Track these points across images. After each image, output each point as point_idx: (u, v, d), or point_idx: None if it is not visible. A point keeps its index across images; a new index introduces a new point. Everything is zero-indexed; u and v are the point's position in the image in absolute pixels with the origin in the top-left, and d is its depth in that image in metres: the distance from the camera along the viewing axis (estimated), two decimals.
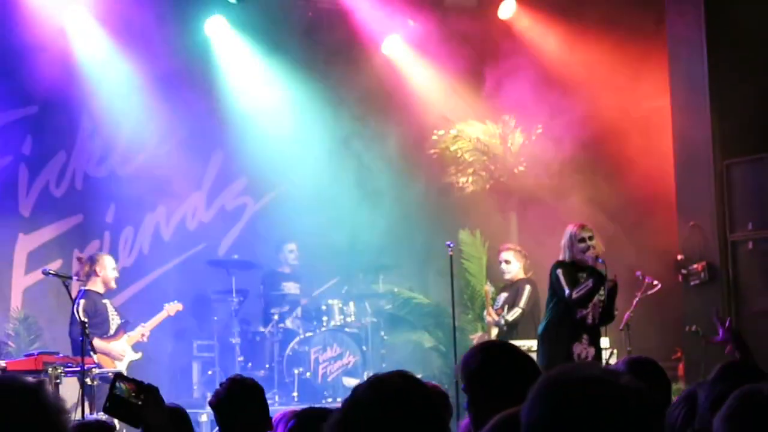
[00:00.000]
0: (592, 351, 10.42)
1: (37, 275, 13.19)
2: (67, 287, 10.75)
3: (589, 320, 10.43)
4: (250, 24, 14.62)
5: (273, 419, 5.82)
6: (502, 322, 12.33)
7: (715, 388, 4.14)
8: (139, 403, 5.29)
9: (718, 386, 4.04)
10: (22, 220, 14.19)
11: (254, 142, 15.03)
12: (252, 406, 5.74)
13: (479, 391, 4.32)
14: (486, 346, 4.88)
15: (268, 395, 11.59)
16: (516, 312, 12.27)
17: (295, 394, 13.04)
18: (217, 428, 10.64)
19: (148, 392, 5.34)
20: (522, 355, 4.58)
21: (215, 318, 14.09)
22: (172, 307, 12.37)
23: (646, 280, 12.01)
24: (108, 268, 11.90)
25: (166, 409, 5.36)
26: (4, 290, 13.93)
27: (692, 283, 12.71)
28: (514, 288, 12.51)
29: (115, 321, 11.82)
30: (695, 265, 12.63)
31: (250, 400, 5.76)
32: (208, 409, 12.50)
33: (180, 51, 14.34)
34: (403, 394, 2.92)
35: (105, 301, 11.83)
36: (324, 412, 5.21)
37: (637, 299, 11.91)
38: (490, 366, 4.50)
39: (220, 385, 5.89)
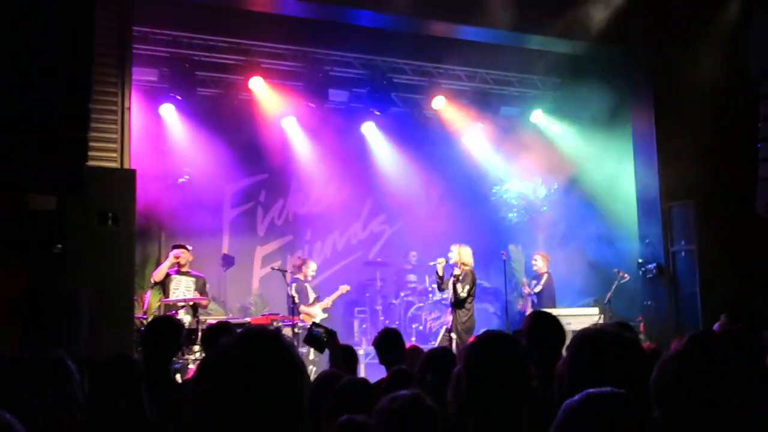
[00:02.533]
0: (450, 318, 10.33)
1: (267, 270, 13.33)
2: (284, 277, 11.08)
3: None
4: (387, 126, 14.79)
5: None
6: (532, 292, 12.54)
7: None
8: (325, 339, 5.46)
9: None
10: (259, 238, 14.32)
11: (390, 192, 15.06)
12: (394, 343, 5.69)
13: (533, 342, 4.32)
14: (533, 313, 4.96)
15: None
16: (537, 287, 12.44)
17: (413, 339, 13.12)
18: (368, 357, 10.71)
19: (331, 334, 5.51)
20: (555, 319, 4.64)
21: (367, 294, 13.98)
22: (344, 288, 12.33)
23: (620, 274, 11.93)
24: (311, 269, 12.10)
25: (340, 344, 5.50)
26: (248, 278, 14.02)
27: (648, 276, 12.50)
28: (539, 276, 12.63)
29: (312, 296, 11.92)
30: (650, 266, 12.43)
31: (392, 340, 5.71)
32: (363, 346, 12.72)
33: (347, 142, 14.56)
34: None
35: (306, 284, 11.99)
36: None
37: (615, 285, 11.83)
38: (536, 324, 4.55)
39: (379, 331, 5.86)
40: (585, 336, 2.61)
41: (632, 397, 1.79)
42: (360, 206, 15.37)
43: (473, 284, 10.37)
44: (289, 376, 1.84)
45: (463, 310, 10.26)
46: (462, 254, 10.54)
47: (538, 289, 12.41)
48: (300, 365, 1.90)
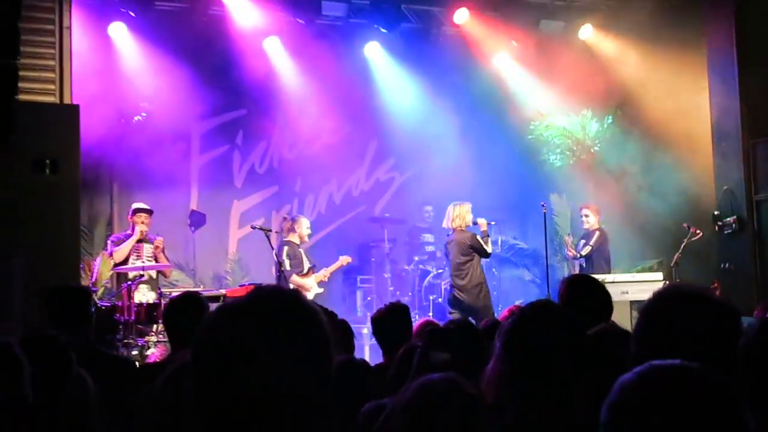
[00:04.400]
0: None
1: (247, 229, 13.33)
2: (268, 238, 11.12)
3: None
4: (395, 47, 14.68)
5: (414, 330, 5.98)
6: (578, 255, 12.54)
7: None
8: None
9: None
10: (236, 190, 14.46)
11: (399, 132, 14.99)
12: (397, 323, 5.79)
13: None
14: (569, 278, 5.01)
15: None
16: (587, 249, 12.41)
17: (430, 314, 13.05)
18: (373, 338, 10.93)
19: (329, 315, 5.57)
20: (598, 284, 4.72)
21: (372, 259, 14.17)
22: (345, 260, 12.27)
23: (691, 230, 11.98)
24: (304, 226, 12.04)
25: (339, 328, 5.57)
26: (223, 240, 14.17)
27: (726, 233, 12.55)
28: (589, 234, 12.65)
29: (306, 264, 11.91)
30: (729, 219, 12.46)
31: (398, 318, 5.81)
32: (368, 324, 12.83)
33: (345, 67, 14.50)
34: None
35: (300, 249, 11.97)
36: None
37: (683, 244, 11.92)
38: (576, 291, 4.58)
39: (385, 305, 5.99)
40: (662, 296, 2.64)
41: (714, 373, 1.74)
42: (362, 149, 15.43)
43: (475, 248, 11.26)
44: (318, 351, 1.83)
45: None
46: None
47: (586, 251, 12.43)
48: (326, 330, 1.88)
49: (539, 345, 2.68)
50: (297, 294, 1.90)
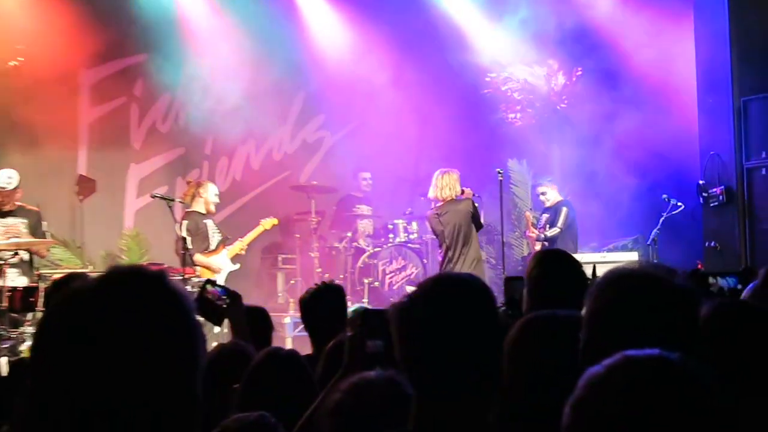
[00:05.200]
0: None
1: (146, 199, 13.26)
2: (171, 209, 10.94)
3: None
4: None
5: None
6: (542, 237, 12.45)
7: None
8: (224, 306, 5.36)
9: None
10: (134, 152, 14.37)
11: (331, 83, 14.97)
12: (331, 305, 5.69)
13: (535, 297, 4.39)
14: (540, 253, 4.94)
15: None
16: (555, 230, 12.44)
17: (365, 300, 13.03)
18: (297, 329, 10.80)
19: (233, 297, 5.41)
20: (572, 260, 4.71)
21: (297, 235, 14.06)
22: (268, 222, 12.38)
23: (671, 202, 12.05)
24: (210, 193, 11.96)
25: (245, 311, 5.44)
26: (117, 212, 14.09)
27: (712, 205, 12.64)
28: (553, 209, 12.73)
29: (216, 237, 11.86)
30: (715, 189, 12.54)
31: (331, 301, 5.72)
32: (291, 312, 12.73)
33: (266, 5, 14.33)
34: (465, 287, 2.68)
35: (206, 221, 11.88)
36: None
37: (662, 218, 12.00)
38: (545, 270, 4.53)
39: (314, 284, 5.93)
40: (611, 279, 2.65)
41: (698, 364, 1.75)
42: (286, 103, 15.43)
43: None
44: (179, 339, 1.79)
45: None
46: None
47: (554, 233, 12.43)
48: (195, 323, 1.84)
49: (437, 325, 2.61)
50: (160, 277, 1.84)
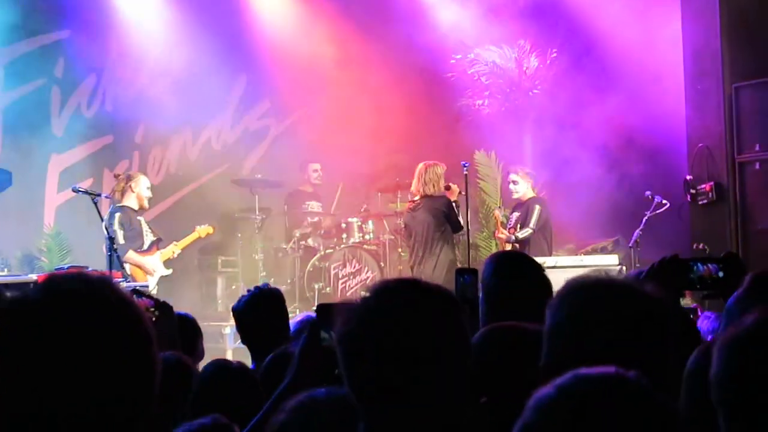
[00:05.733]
0: None
1: (68, 193, 13.17)
2: (96, 204, 10.85)
3: None
4: None
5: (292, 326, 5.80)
6: (513, 239, 12.40)
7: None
8: (153, 318, 5.27)
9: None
10: (55, 140, 14.33)
11: (276, 65, 14.99)
12: (272, 314, 5.65)
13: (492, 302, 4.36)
14: (494, 256, 4.90)
15: (290, 309, 11.62)
16: (526, 231, 12.31)
17: (314, 308, 13.00)
18: (239, 340, 10.70)
19: (163, 309, 5.34)
20: (534, 266, 4.60)
21: (239, 235, 14.13)
22: (203, 230, 12.42)
23: (656, 200, 12.04)
24: (142, 186, 11.92)
25: (176, 325, 5.38)
26: (36, 208, 14.09)
27: (700, 203, 12.66)
28: (524, 207, 12.55)
29: (149, 237, 11.89)
30: (703, 185, 12.56)
31: (270, 309, 5.67)
32: (232, 321, 12.61)
33: None
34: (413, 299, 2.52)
35: (140, 217, 11.91)
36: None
37: (646, 218, 12.05)
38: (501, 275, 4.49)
39: (248, 291, 5.85)
40: (572, 288, 2.65)
41: (648, 382, 1.78)
42: (227, 87, 15.51)
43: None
44: (130, 348, 1.87)
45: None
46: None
47: (526, 234, 12.34)
48: (148, 331, 1.92)
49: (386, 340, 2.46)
50: (105, 283, 1.91)
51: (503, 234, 12.62)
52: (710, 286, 4.04)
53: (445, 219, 11.78)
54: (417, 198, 11.90)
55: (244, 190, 14.27)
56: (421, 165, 12.02)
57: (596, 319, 2.53)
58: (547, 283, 4.42)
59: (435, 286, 2.66)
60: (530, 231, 12.31)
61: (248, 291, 5.86)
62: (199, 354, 5.59)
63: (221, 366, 4.20)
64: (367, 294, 2.59)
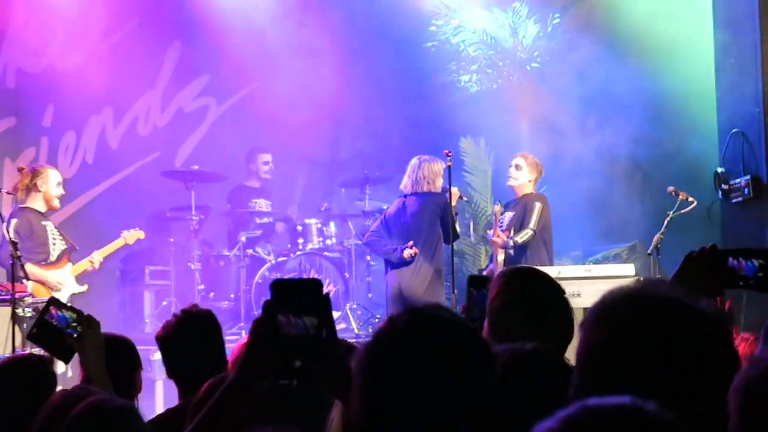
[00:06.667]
0: None
1: None
2: None
3: None
4: None
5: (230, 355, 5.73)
6: (511, 243, 12.24)
7: None
8: (75, 335, 5.18)
9: None
10: None
11: (218, 31, 14.91)
12: (199, 340, 5.72)
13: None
14: (508, 272, 4.89)
15: (233, 330, 11.50)
16: (526, 234, 12.11)
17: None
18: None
19: (88, 325, 5.23)
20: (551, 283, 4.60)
21: (171, 240, 14.05)
22: (131, 236, 12.36)
23: (680, 197, 12.02)
24: (52, 183, 11.84)
25: (102, 343, 5.29)
26: None
27: (734, 200, 12.67)
28: (521, 205, 12.39)
29: (58, 246, 11.82)
30: (738, 180, 12.55)
31: (201, 336, 5.74)
32: None
33: None
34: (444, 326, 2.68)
35: (45, 222, 11.82)
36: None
37: (668, 219, 12.00)
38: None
39: (173, 315, 5.87)
40: (610, 304, 2.66)
41: (672, 417, 1.85)
42: (157, 58, 15.52)
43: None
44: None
45: None
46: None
47: (526, 237, 12.20)
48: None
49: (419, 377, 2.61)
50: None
51: (500, 238, 12.37)
52: (752, 286, 3.99)
53: (437, 220, 11.79)
54: (410, 195, 12.00)
55: (177, 184, 14.13)
56: (414, 159, 12.02)
57: (637, 346, 2.50)
58: (568, 316, 4.47)
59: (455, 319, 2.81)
60: (531, 233, 12.13)
61: (174, 315, 5.89)
62: (135, 389, 5.66)
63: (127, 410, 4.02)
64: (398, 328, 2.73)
